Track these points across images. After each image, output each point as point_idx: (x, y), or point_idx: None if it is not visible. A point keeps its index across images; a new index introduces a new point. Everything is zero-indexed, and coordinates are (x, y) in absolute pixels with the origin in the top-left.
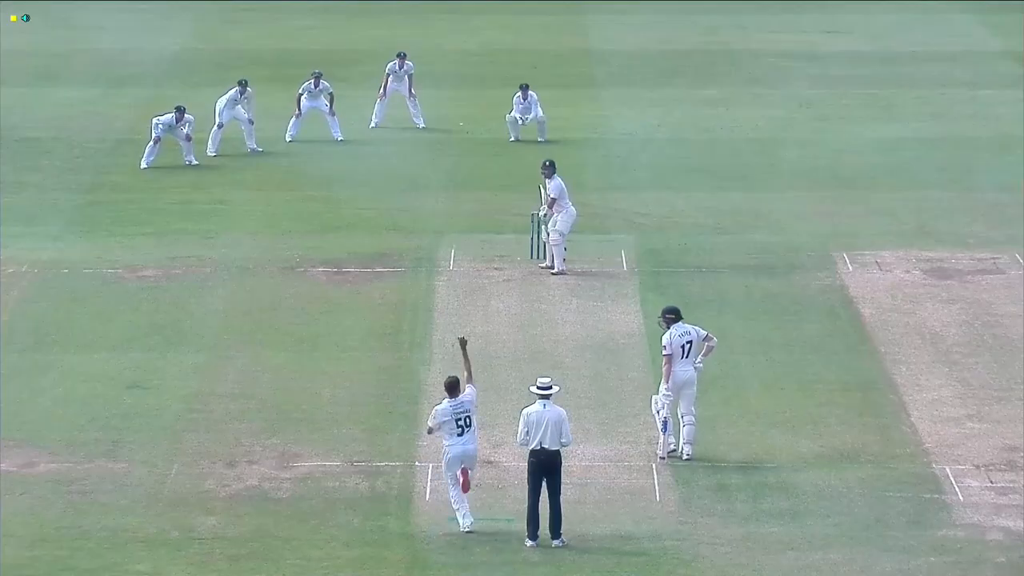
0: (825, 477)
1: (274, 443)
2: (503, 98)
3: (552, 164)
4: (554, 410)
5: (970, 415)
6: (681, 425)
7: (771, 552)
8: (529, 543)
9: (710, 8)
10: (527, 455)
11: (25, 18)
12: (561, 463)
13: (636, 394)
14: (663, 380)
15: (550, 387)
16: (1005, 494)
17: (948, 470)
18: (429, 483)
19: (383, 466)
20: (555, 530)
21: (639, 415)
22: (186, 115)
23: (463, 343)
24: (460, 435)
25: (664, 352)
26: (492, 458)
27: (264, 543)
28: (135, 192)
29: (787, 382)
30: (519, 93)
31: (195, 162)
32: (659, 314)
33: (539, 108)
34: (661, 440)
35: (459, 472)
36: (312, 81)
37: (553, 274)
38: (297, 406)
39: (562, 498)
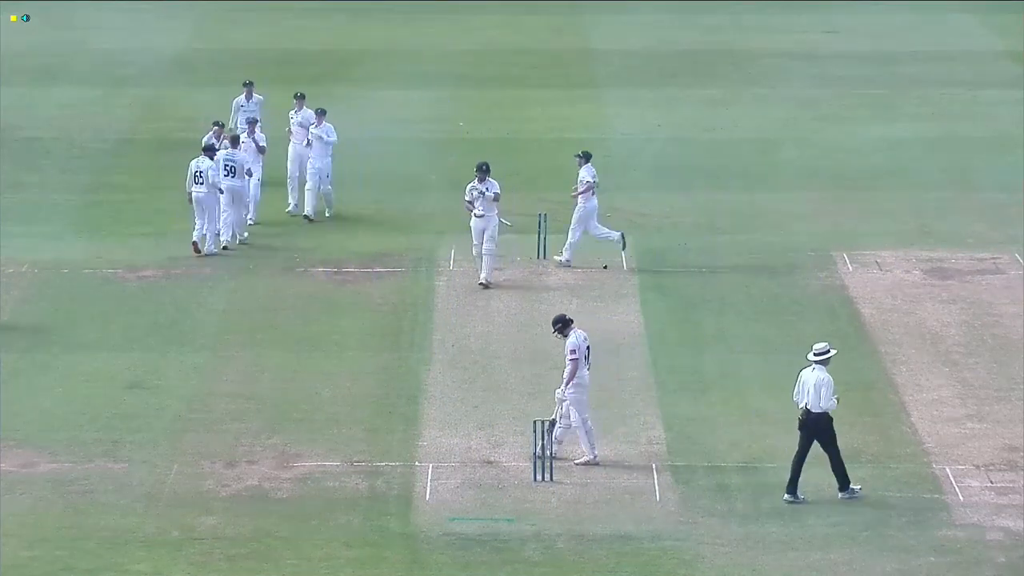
0: (825, 477)
1: (274, 443)
2: (503, 98)
3: (488, 167)
4: (817, 375)
5: (970, 415)
6: (566, 427)
7: (771, 552)
8: (786, 496)
9: (710, 8)
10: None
11: (25, 18)
12: (825, 426)
13: (636, 394)
14: (569, 382)
15: (826, 351)
16: (1005, 494)
17: (948, 470)
18: (429, 483)
19: (383, 466)
20: (840, 484)
21: (639, 415)
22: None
23: None
24: (227, 175)
25: (574, 356)
26: (492, 458)
27: (264, 543)
28: (135, 192)
29: (787, 382)
30: (294, 103)
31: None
32: (554, 325)
33: (326, 129)
34: (586, 446)
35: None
36: (297, 104)
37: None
38: (297, 406)
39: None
